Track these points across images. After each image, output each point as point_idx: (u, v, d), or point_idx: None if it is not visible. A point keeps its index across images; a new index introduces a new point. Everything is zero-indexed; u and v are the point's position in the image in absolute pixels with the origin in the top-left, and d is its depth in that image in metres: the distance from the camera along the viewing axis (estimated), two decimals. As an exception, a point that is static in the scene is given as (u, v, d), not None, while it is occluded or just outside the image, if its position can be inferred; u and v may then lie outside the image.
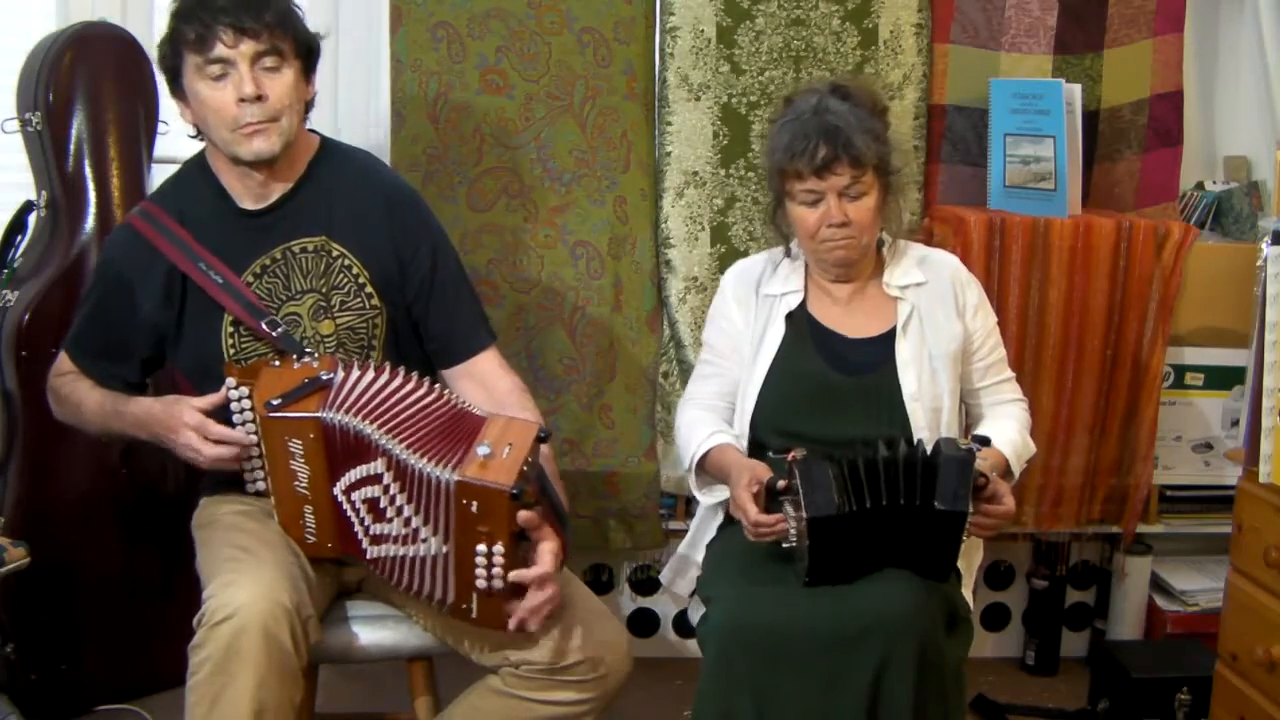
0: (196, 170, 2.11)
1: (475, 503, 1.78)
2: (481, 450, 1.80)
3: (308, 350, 1.99)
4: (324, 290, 2.06)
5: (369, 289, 2.07)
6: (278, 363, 1.96)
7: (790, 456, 1.99)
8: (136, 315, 2.06)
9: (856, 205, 2.12)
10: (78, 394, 2.10)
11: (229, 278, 2.02)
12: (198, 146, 2.11)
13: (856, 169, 2.09)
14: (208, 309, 2.03)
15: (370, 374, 1.92)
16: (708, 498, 2.25)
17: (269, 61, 1.96)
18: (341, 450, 1.88)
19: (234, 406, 1.94)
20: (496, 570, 1.80)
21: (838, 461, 1.96)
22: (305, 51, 2.02)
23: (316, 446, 1.87)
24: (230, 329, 2.03)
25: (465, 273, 2.19)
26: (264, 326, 2.00)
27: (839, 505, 1.93)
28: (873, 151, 2.10)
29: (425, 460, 1.81)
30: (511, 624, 1.84)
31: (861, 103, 2.15)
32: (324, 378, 1.91)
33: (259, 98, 1.94)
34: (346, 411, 1.86)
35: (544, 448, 1.93)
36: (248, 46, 1.93)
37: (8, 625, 2.54)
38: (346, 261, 2.06)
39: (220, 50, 1.93)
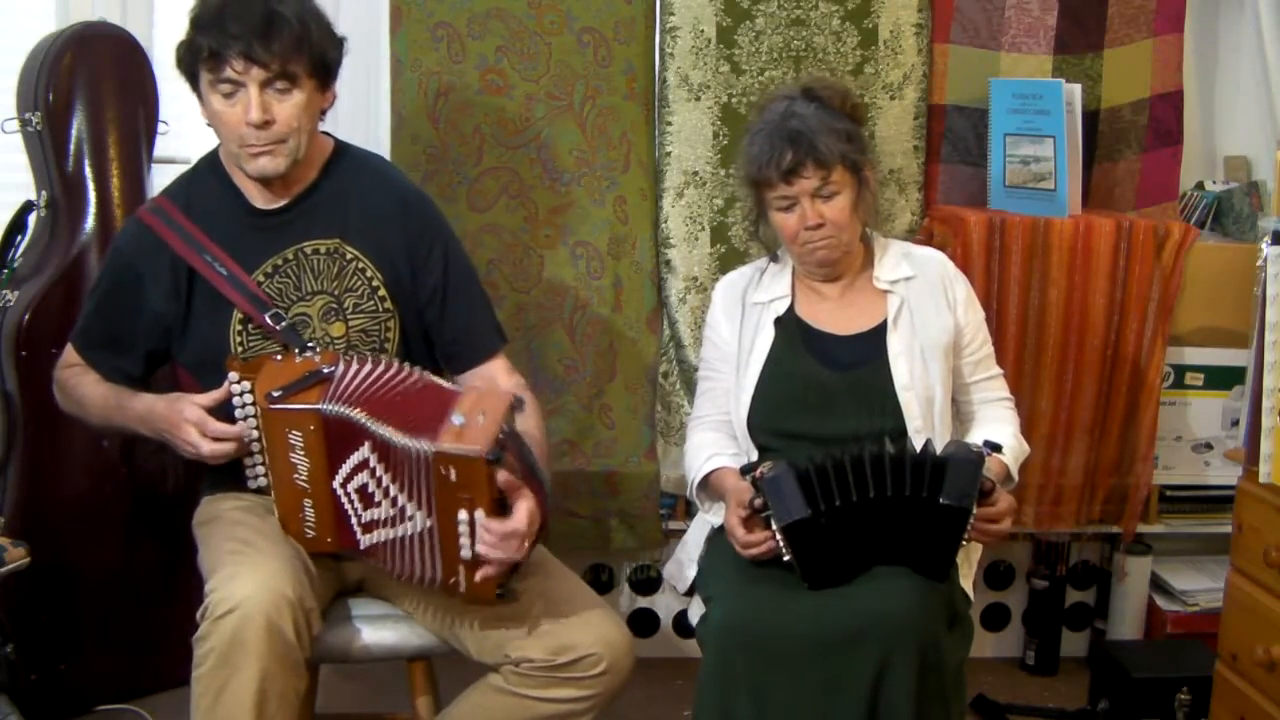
0: (208, 167, 2.11)
1: (453, 470, 1.79)
2: (456, 420, 1.82)
3: (310, 345, 2.00)
4: (336, 293, 2.06)
5: (382, 292, 2.08)
6: (280, 357, 1.97)
7: (757, 474, 2.02)
8: (143, 307, 2.07)
9: (830, 205, 2.15)
10: (82, 386, 2.11)
11: (234, 271, 2.02)
12: (200, 146, 2.10)
13: (823, 169, 2.12)
14: (216, 304, 2.04)
15: (368, 366, 1.93)
16: (715, 518, 2.25)
17: (280, 84, 1.94)
18: (339, 442, 1.89)
19: (235, 400, 1.94)
20: (480, 535, 1.81)
21: (804, 466, 1.98)
22: (322, 67, 2.00)
23: (317, 438, 1.88)
24: (239, 326, 2.04)
25: (477, 276, 2.20)
26: (268, 320, 2.01)
27: (809, 509, 1.95)
28: (838, 150, 2.12)
29: (404, 437, 1.82)
30: (478, 575, 1.84)
31: (830, 103, 2.18)
32: (325, 371, 1.92)
33: (266, 123, 1.94)
34: (344, 403, 1.87)
35: (532, 422, 1.96)
36: (257, 73, 1.92)
37: (8, 625, 2.53)
38: (360, 264, 2.07)
39: (230, 73, 1.92)
